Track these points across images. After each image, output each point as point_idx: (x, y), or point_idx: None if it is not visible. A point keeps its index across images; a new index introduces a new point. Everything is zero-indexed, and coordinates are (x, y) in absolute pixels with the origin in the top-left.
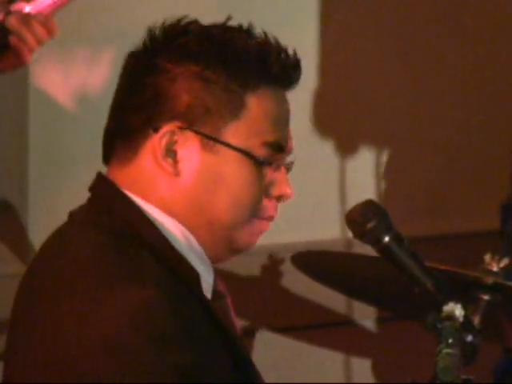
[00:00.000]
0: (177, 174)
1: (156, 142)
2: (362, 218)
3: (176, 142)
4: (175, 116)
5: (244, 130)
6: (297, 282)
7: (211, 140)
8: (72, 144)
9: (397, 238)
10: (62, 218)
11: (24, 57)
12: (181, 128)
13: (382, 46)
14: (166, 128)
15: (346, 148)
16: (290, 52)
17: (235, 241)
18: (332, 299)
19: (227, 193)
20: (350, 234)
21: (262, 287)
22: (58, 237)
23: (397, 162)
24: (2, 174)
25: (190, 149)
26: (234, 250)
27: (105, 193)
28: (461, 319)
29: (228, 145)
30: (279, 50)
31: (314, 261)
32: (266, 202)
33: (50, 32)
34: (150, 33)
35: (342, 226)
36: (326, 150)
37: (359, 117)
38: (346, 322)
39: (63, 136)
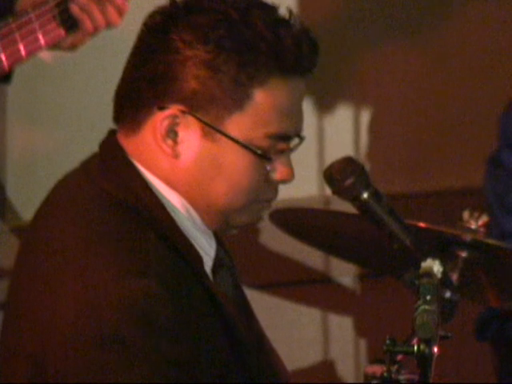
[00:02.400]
0: (175, 156)
1: (158, 121)
2: (340, 175)
3: (178, 124)
4: (180, 99)
5: (248, 121)
6: (275, 239)
7: (212, 129)
8: (52, 103)
9: (375, 194)
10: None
11: (88, 34)
12: (184, 112)
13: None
14: (170, 110)
15: (324, 105)
16: (310, 36)
17: (232, 222)
18: (310, 256)
19: (225, 181)
20: (328, 191)
21: (240, 244)
22: (67, 186)
23: (375, 119)
24: None
25: (190, 134)
26: (231, 228)
27: (114, 159)
28: (439, 276)
29: (228, 136)
30: (297, 35)
31: (292, 218)
32: (266, 187)
33: (120, 15)
34: (173, 3)
35: (320, 183)
36: (303, 107)
37: (337, 74)
38: (324, 279)
39: (44, 92)
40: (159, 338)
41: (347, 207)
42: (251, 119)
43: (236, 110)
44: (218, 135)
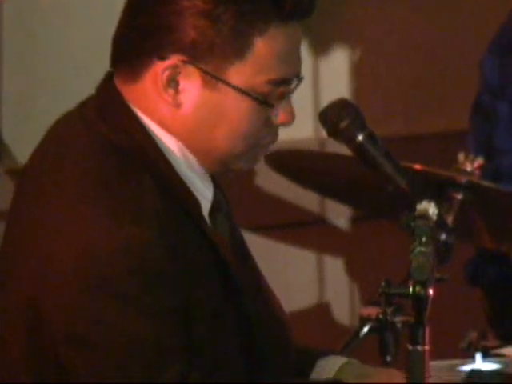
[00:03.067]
0: (177, 105)
1: (159, 71)
2: (335, 117)
3: (179, 74)
4: (180, 49)
5: (248, 69)
6: (270, 181)
7: (214, 78)
8: (47, 52)
9: (370, 136)
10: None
11: None
12: (184, 62)
13: None
14: (170, 61)
15: (320, 48)
16: None
17: (232, 166)
18: (305, 198)
19: (226, 127)
20: (323, 133)
21: (235, 187)
22: (63, 130)
23: (371, 62)
24: None
25: (191, 83)
26: (231, 171)
27: (111, 103)
28: (434, 218)
29: (230, 84)
30: None
31: (287, 160)
32: (266, 131)
33: None
34: None
35: (315, 125)
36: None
37: (333, 18)
38: (319, 222)
39: (39, 41)
40: (154, 288)
41: (342, 149)
42: (252, 67)
43: (236, 59)
44: (220, 84)
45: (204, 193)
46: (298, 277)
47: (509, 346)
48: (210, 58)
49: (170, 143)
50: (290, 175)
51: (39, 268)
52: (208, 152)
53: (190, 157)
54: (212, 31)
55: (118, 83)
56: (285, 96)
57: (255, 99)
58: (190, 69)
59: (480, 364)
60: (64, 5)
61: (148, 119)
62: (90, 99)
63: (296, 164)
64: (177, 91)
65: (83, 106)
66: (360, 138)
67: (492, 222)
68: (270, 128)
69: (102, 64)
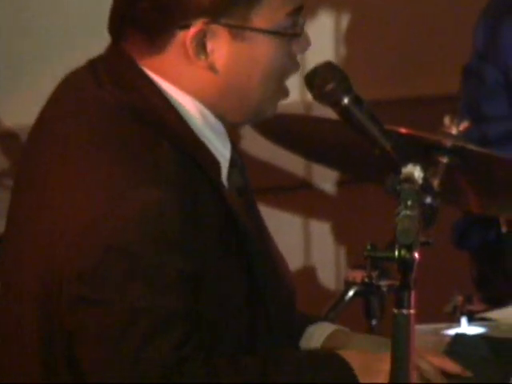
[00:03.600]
0: (210, 67)
1: (186, 40)
2: (321, 80)
3: (205, 36)
4: (200, 13)
5: (267, 10)
6: (256, 145)
7: (240, 29)
8: (40, 11)
9: (356, 99)
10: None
11: None
12: (208, 23)
13: None
14: (195, 28)
15: (306, 11)
16: None
17: (263, 112)
18: (291, 162)
19: (260, 73)
20: (309, 97)
21: None
22: (76, 91)
23: (357, 25)
24: None
25: (220, 41)
26: (261, 118)
27: (125, 68)
28: (420, 181)
29: (256, 29)
30: None
31: (273, 124)
32: (290, 64)
33: None
34: None
35: (301, 89)
36: None
37: None
38: (305, 186)
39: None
40: (166, 250)
41: (328, 113)
42: (269, 6)
43: (254, 4)
44: (247, 33)
45: (222, 151)
46: (284, 240)
47: (494, 310)
48: (231, 11)
49: (187, 104)
50: (275, 139)
51: (52, 229)
52: (241, 104)
53: (211, 118)
54: None
55: (131, 52)
56: (302, 26)
57: (284, 34)
58: (215, 28)
59: (465, 328)
60: None
61: (167, 83)
62: (100, 60)
63: (282, 128)
64: (207, 54)
65: (95, 67)
66: (345, 101)
67: (478, 185)
68: (292, 60)
69: (95, 29)
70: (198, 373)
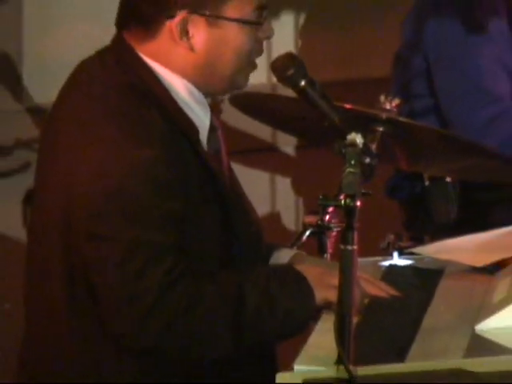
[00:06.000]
0: (191, 48)
1: (172, 27)
2: (283, 67)
3: (187, 24)
4: (183, 5)
5: (237, 3)
6: (233, 117)
7: (214, 18)
8: (61, 13)
9: (311, 82)
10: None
11: None
12: (189, 13)
13: None
14: (179, 16)
15: (271, 13)
16: None
17: (236, 83)
18: (261, 130)
19: (231, 52)
20: (274, 80)
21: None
22: (83, 78)
23: (312, 21)
24: None
25: (198, 28)
26: (235, 88)
27: (125, 53)
28: (361, 145)
29: (228, 18)
30: None
31: (246, 100)
32: (256, 47)
33: None
34: None
35: (268, 73)
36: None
37: None
38: (271, 148)
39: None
40: (159, 197)
41: (289, 92)
42: (240, 2)
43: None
44: (220, 21)
45: (204, 119)
46: (255, 192)
47: (419, 246)
48: (207, 4)
49: (175, 82)
50: (249, 112)
51: (69, 180)
52: (219, 77)
53: (194, 90)
54: None
55: (130, 40)
56: (265, 18)
57: (249, 23)
58: (195, 17)
59: (396, 260)
60: None
61: (159, 65)
62: (106, 50)
63: (254, 103)
64: (188, 38)
65: (102, 54)
66: (302, 83)
67: (406, 148)
68: (258, 44)
69: (102, 29)
70: (186, 290)
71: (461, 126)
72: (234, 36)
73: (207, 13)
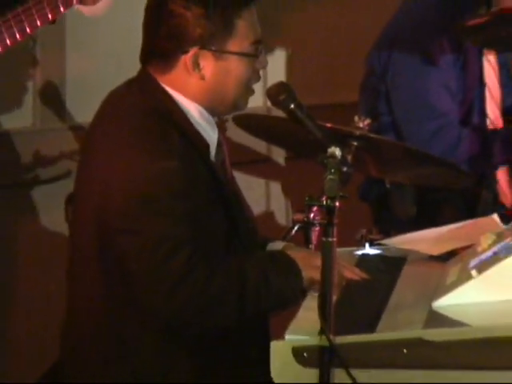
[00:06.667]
0: (202, 78)
1: (187, 61)
2: (276, 93)
3: (198, 58)
4: (194, 43)
5: (238, 40)
6: (235, 134)
7: (219, 52)
8: (100, 42)
9: (299, 105)
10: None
11: None
12: (200, 49)
13: None
14: (191, 52)
15: (266, 45)
16: None
17: (238, 106)
18: (258, 144)
19: (234, 81)
20: (269, 103)
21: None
22: (114, 103)
23: (298, 56)
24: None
25: (207, 61)
26: (237, 110)
27: (149, 83)
28: (339, 157)
29: (230, 52)
30: None
31: (246, 120)
32: (253, 76)
33: None
34: None
35: (264, 98)
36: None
37: (265, 23)
38: (266, 160)
39: (94, 33)
40: (179, 199)
41: (281, 113)
42: (239, 38)
43: (229, 37)
44: (225, 55)
45: (212, 136)
46: (253, 196)
47: (386, 239)
48: (213, 41)
49: (189, 106)
50: (248, 130)
51: (103, 186)
52: (222, 101)
53: (204, 113)
54: (210, 25)
55: (153, 72)
56: (261, 51)
57: (248, 56)
58: (204, 52)
59: (368, 250)
60: (111, 17)
61: (176, 93)
62: (133, 80)
63: (252, 123)
64: (199, 69)
65: (129, 84)
66: (292, 106)
67: (375, 159)
68: (255, 73)
69: (134, 60)
70: (202, 271)
71: (411, 137)
72: (235, 67)
73: (214, 48)
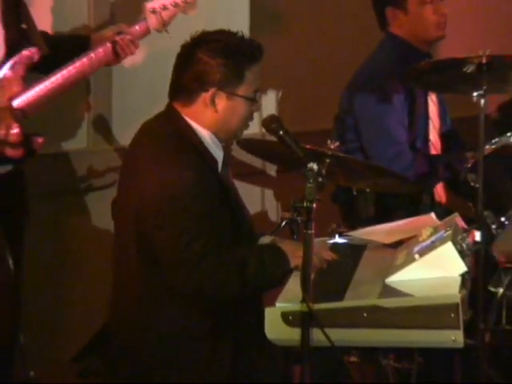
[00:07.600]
0: (215, 111)
1: (206, 98)
2: (269, 123)
3: (215, 96)
4: (214, 84)
5: (245, 87)
6: (238, 153)
7: (231, 95)
8: (140, 81)
9: (286, 132)
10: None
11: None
12: (217, 90)
13: None
14: (211, 92)
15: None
16: (258, 44)
17: (237, 135)
18: (255, 161)
19: (238, 117)
20: (263, 130)
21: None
22: (147, 130)
23: (285, 99)
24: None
25: (221, 99)
26: (235, 139)
27: (174, 116)
28: (316, 170)
29: (239, 96)
30: (253, 42)
31: (247, 143)
32: (251, 115)
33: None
34: (199, 35)
35: (259, 127)
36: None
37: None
38: (261, 173)
39: (136, 76)
40: (197, 201)
41: (272, 138)
42: (246, 85)
43: (240, 84)
44: (234, 97)
45: (219, 155)
46: (251, 201)
47: (352, 231)
48: (228, 85)
49: (203, 133)
50: (248, 150)
51: (140, 192)
52: (227, 131)
53: (214, 138)
54: (228, 73)
55: (177, 106)
56: (259, 97)
57: (251, 100)
58: (220, 93)
59: (337, 240)
60: (145, 65)
61: (194, 123)
62: (160, 114)
63: (251, 145)
64: (215, 105)
65: (157, 116)
66: (281, 132)
67: (344, 172)
68: (252, 114)
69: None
70: (214, 257)
71: (376, 159)
72: (240, 107)
73: (227, 90)
